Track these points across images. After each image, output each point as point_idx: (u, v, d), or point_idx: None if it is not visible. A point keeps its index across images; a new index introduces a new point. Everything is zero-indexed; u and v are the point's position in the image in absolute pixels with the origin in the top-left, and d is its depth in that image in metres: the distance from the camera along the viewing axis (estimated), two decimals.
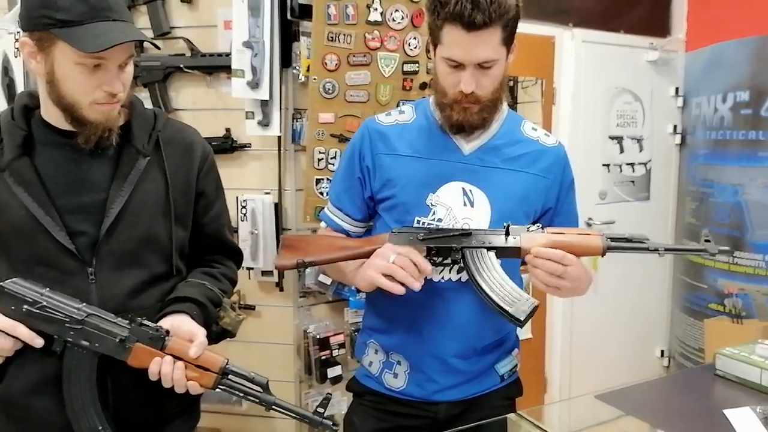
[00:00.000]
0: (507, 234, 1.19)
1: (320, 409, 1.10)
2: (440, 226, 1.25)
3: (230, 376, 1.09)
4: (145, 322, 1.07)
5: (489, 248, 1.19)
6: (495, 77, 1.21)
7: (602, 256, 1.19)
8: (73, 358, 1.06)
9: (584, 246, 1.16)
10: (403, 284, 1.15)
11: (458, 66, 1.18)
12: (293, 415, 1.11)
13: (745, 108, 2.76)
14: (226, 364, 1.08)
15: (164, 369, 1.06)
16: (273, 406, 1.09)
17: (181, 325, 1.11)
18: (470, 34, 1.13)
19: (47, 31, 1.01)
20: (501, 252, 1.19)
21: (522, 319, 1.17)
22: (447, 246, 1.19)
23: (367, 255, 1.22)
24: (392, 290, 1.15)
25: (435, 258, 1.21)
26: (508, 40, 1.19)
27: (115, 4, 1.05)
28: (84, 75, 1.04)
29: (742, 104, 2.77)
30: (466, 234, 1.20)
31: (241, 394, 1.09)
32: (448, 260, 1.21)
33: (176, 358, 1.07)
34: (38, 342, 1.05)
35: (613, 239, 1.19)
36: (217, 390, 1.09)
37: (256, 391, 1.09)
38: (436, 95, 1.28)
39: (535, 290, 1.30)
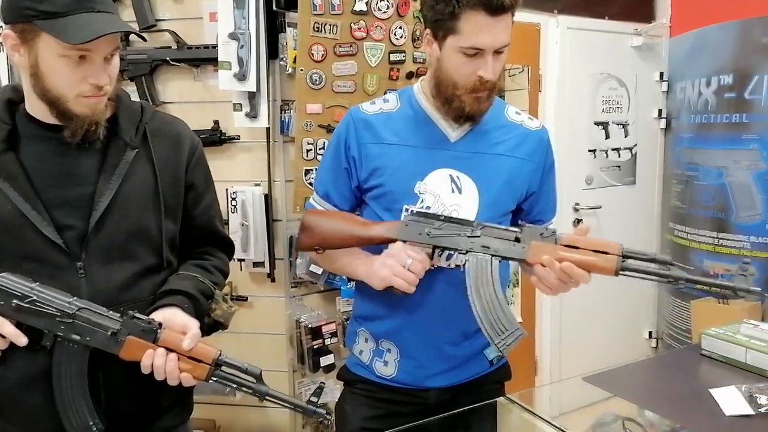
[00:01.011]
0: (517, 240, 1.18)
1: (314, 399, 1.11)
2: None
3: (223, 368, 1.09)
4: (137, 315, 1.07)
5: (494, 256, 1.18)
6: (503, 63, 1.23)
7: (615, 275, 1.13)
8: (63, 352, 1.06)
9: (595, 266, 1.13)
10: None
11: (476, 54, 1.18)
12: (287, 404, 1.11)
13: (728, 91, 2.79)
14: (219, 355, 1.08)
15: (157, 361, 1.06)
16: (266, 397, 1.09)
17: (174, 318, 1.11)
18: (495, 19, 1.15)
19: (30, 23, 1.00)
20: (506, 258, 1.20)
21: (504, 353, 1.18)
22: (455, 248, 1.20)
23: (381, 242, 1.25)
24: (402, 289, 1.20)
25: (441, 256, 1.24)
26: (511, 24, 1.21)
27: None
28: (69, 67, 1.03)
29: (726, 87, 2.80)
30: (477, 229, 1.19)
31: (235, 385, 1.09)
32: (453, 261, 1.25)
33: (169, 350, 1.07)
34: (22, 341, 1.03)
35: (632, 256, 1.12)
36: (211, 381, 1.09)
37: (250, 381, 1.09)
38: (443, 88, 1.25)
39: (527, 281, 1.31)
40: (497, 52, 1.19)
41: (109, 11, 1.05)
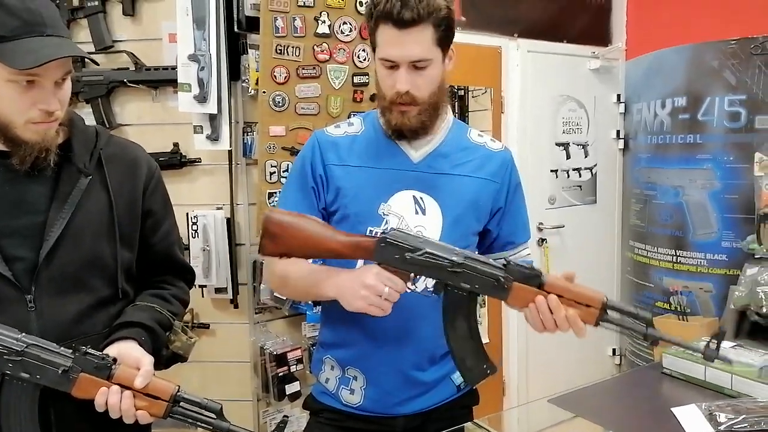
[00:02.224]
0: (498, 282, 1.11)
1: None
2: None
3: (182, 404, 1.05)
4: (90, 350, 1.02)
5: (473, 292, 1.13)
6: (430, 79, 1.22)
7: (594, 326, 1.11)
8: (12, 392, 1.00)
9: (575, 320, 1.11)
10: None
11: (393, 66, 1.20)
12: None
13: (683, 113, 2.88)
14: (177, 391, 1.04)
15: (111, 399, 1.01)
16: None
17: (130, 352, 1.07)
18: (401, 32, 1.16)
19: None
20: (488, 294, 1.15)
21: (473, 386, 1.16)
22: (435, 278, 1.13)
23: (352, 258, 1.17)
24: (376, 315, 1.13)
25: (416, 283, 1.20)
26: (443, 42, 1.21)
27: (49, 19, 1.01)
28: (17, 92, 0.99)
29: (680, 109, 2.89)
30: (458, 264, 1.11)
31: (194, 422, 1.05)
32: (429, 289, 1.19)
33: (124, 387, 1.02)
34: None
35: (614, 308, 1.10)
36: (169, 418, 1.05)
37: (210, 417, 1.05)
38: (378, 101, 1.30)
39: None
40: (416, 66, 1.19)
41: (59, 35, 1.02)
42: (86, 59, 1.93)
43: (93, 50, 2.00)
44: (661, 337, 1.09)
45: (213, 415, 1.05)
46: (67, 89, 1.07)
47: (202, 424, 1.05)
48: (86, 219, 1.10)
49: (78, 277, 1.10)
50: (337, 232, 1.18)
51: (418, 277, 1.18)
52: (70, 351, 1.02)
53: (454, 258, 1.12)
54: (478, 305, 1.22)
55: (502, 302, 1.15)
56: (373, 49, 1.25)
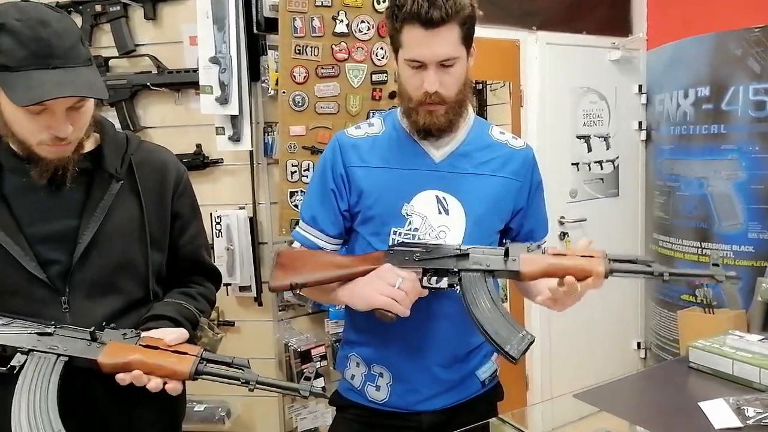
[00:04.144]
0: (506, 255, 1.16)
1: (306, 382, 1.06)
2: (419, 236, 1.26)
3: (208, 365, 1.04)
4: (115, 327, 1.04)
5: (487, 271, 1.16)
6: (457, 77, 1.23)
7: (605, 278, 1.14)
8: (35, 369, 0.99)
9: (586, 270, 1.13)
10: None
11: (420, 66, 1.20)
12: (281, 389, 1.07)
13: (706, 103, 2.84)
14: (203, 348, 1.05)
15: (137, 357, 1.01)
16: (258, 384, 1.04)
17: (155, 333, 1.08)
18: (429, 32, 1.16)
19: None
20: (499, 274, 1.18)
21: (517, 357, 1.13)
22: (444, 268, 1.18)
23: (362, 275, 1.21)
24: (394, 311, 1.15)
25: (431, 280, 1.20)
26: (467, 40, 1.22)
27: (59, 49, 0.99)
28: (27, 118, 1.00)
29: (704, 99, 2.85)
30: (464, 254, 1.17)
31: (223, 379, 1.04)
32: (444, 283, 1.20)
33: (151, 347, 1.03)
34: None
35: (616, 260, 1.14)
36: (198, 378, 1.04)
37: (238, 371, 1.04)
38: (401, 102, 1.29)
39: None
40: (443, 65, 1.20)
41: (69, 65, 1.00)
42: (110, 63, 2.04)
43: (116, 54, 2.04)
44: (668, 270, 1.14)
45: (240, 370, 1.04)
46: (85, 112, 1.07)
47: (231, 380, 1.04)
48: (118, 223, 1.13)
49: (110, 279, 1.12)
50: (345, 259, 1.27)
51: (430, 275, 1.20)
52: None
53: (460, 247, 1.19)
54: (498, 294, 1.21)
55: (524, 299, 1.16)
56: (395, 50, 1.25)
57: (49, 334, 1.01)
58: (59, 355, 1.01)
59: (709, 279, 1.13)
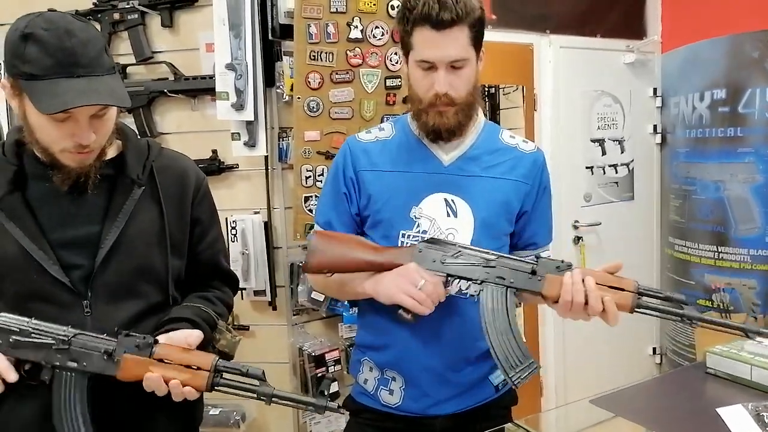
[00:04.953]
0: (533, 273, 1.17)
1: (322, 398, 1.06)
2: (430, 236, 1.26)
3: (224, 375, 1.06)
4: (131, 333, 1.05)
5: (509, 287, 1.18)
6: (467, 79, 1.24)
7: (630, 313, 1.14)
8: (63, 386, 1.03)
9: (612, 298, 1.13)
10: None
11: (431, 68, 1.21)
12: (296, 404, 1.07)
13: (722, 105, 2.81)
14: (217, 361, 1.05)
15: (156, 373, 1.03)
16: (273, 398, 1.04)
17: (175, 335, 1.10)
18: (439, 33, 1.18)
19: (16, 80, 1.01)
20: (522, 290, 1.19)
21: (518, 385, 1.16)
22: (468, 277, 1.19)
23: (390, 268, 1.22)
24: (414, 309, 1.17)
25: (453, 283, 1.22)
26: (476, 43, 1.23)
27: (84, 58, 1.00)
28: (51, 125, 1.02)
29: (719, 102, 2.82)
30: (492, 261, 1.18)
31: (238, 391, 1.05)
32: (466, 290, 1.23)
33: (165, 362, 1.04)
34: (12, 377, 1.01)
35: (648, 293, 1.13)
36: (213, 390, 1.06)
37: (253, 385, 1.05)
38: (411, 104, 1.31)
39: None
40: (453, 66, 1.21)
41: (94, 74, 1.02)
42: (127, 70, 2.07)
43: (134, 61, 2.07)
44: (699, 317, 1.12)
45: (256, 382, 1.05)
46: (108, 120, 1.09)
47: (247, 393, 1.05)
48: (139, 228, 1.14)
49: (131, 284, 1.14)
50: (375, 244, 1.26)
51: (452, 279, 1.21)
52: (114, 338, 1.05)
53: (488, 256, 1.19)
54: (515, 305, 1.22)
55: (538, 304, 1.17)
56: (406, 53, 1.27)
57: (66, 344, 1.03)
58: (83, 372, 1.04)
59: (741, 332, 1.11)
